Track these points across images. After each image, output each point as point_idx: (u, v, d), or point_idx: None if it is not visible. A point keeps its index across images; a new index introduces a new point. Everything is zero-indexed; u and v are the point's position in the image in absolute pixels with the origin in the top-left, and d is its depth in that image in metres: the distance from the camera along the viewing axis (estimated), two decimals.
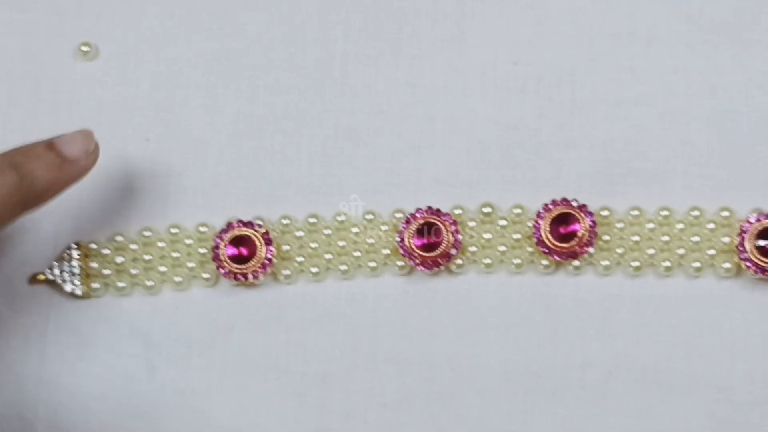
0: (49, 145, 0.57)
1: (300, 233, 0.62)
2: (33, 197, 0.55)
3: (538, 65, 0.62)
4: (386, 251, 0.61)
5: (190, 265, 0.62)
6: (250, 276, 0.61)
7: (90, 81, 0.64)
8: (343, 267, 0.61)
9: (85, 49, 0.64)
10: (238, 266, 0.61)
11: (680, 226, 0.60)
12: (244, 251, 0.61)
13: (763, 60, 0.61)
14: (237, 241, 0.61)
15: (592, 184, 0.61)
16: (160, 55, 0.64)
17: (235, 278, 0.61)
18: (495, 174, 0.62)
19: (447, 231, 0.60)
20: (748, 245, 0.58)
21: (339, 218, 0.62)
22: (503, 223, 0.61)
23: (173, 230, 0.62)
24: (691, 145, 0.61)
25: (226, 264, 0.61)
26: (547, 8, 0.63)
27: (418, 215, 0.60)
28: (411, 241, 0.60)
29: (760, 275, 0.58)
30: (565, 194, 0.60)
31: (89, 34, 0.65)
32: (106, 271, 0.62)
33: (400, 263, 0.61)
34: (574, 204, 0.60)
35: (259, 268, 0.61)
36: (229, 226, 0.61)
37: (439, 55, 0.63)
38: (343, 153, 0.62)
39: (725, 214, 0.59)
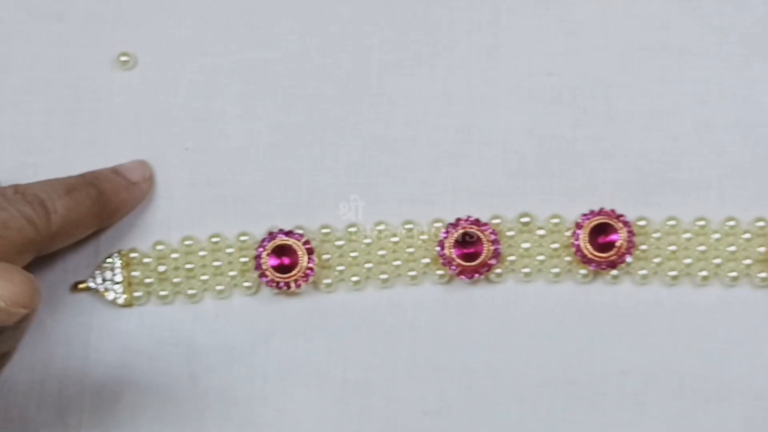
0: (115, 170, 0.62)
1: (340, 242, 0.62)
2: (108, 213, 0.61)
3: (573, 76, 0.63)
4: (426, 260, 0.62)
5: (232, 273, 0.63)
6: (292, 285, 0.61)
7: (128, 90, 0.65)
8: (383, 276, 0.62)
9: (123, 59, 0.65)
10: (281, 275, 0.61)
11: (716, 236, 0.61)
12: (286, 261, 0.61)
13: None
14: (279, 251, 0.61)
15: (628, 194, 0.62)
16: (197, 64, 0.65)
17: (278, 287, 0.61)
18: (531, 184, 0.62)
19: (487, 241, 0.61)
20: None
21: (378, 227, 0.62)
22: (541, 232, 0.61)
23: (214, 239, 0.63)
24: (725, 155, 0.62)
25: (268, 273, 0.61)
26: (581, 20, 0.63)
27: (458, 225, 0.61)
28: (451, 250, 0.61)
29: None
30: (602, 204, 0.61)
31: (128, 43, 0.65)
32: (148, 280, 0.63)
33: (439, 272, 0.62)
34: (612, 214, 0.60)
35: (301, 277, 0.61)
36: (271, 235, 0.62)
37: (475, 65, 0.64)
38: (380, 163, 0.63)
39: (761, 224, 0.60)
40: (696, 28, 0.63)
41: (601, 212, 0.61)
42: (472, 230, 0.61)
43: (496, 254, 0.61)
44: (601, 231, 0.60)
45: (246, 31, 0.65)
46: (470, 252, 0.61)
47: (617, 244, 0.60)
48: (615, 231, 0.60)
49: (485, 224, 0.61)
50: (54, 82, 0.65)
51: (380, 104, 0.64)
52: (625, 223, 0.60)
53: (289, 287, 0.62)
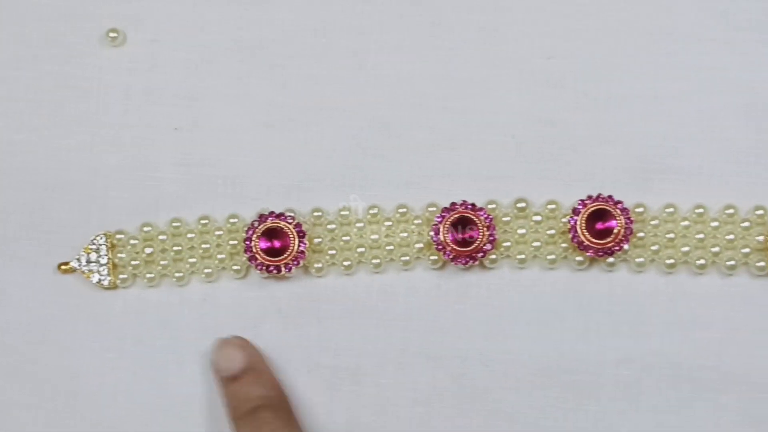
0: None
1: (332, 226, 0.61)
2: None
3: (574, 60, 0.62)
4: (419, 245, 0.61)
5: (220, 256, 0.61)
6: (282, 269, 0.60)
7: (117, 68, 0.64)
8: (376, 260, 0.61)
9: (112, 35, 0.63)
10: (271, 259, 0.60)
11: (715, 223, 0.60)
12: (276, 244, 0.60)
13: None
14: (269, 234, 0.60)
15: (627, 181, 0.61)
16: (189, 42, 0.63)
17: (268, 271, 0.60)
18: (529, 168, 0.61)
19: (482, 226, 0.59)
20: None
21: (372, 211, 0.61)
22: (537, 218, 0.60)
23: (203, 221, 0.62)
24: (726, 142, 0.60)
25: (258, 256, 0.60)
26: (582, 3, 0.62)
27: (453, 209, 0.60)
28: (446, 235, 0.60)
29: None
30: (600, 190, 0.60)
31: (117, 20, 0.64)
32: (135, 262, 0.62)
33: (433, 257, 0.60)
34: (610, 200, 0.59)
35: (292, 260, 0.60)
36: (262, 217, 0.61)
37: (474, 48, 0.62)
38: (375, 145, 0.62)
39: (760, 212, 0.59)
40: (699, 13, 0.62)
41: (598, 198, 0.60)
42: (466, 215, 0.59)
43: (491, 240, 0.60)
44: (598, 217, 0.59)
45: (239, 9, 0.64)
46: (465, 238, 0.59)
47: (615, 230, 0.59)
48: (613, 217, 0.59)
49: (480, 209, 0.60)
50: (43, 58, 0.64)
51: (376, 86, 0.62)
52: (623, 210, 0.59)
53: (279, 271, 0.60)
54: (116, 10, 0.64)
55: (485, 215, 0.60)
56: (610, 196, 0.60)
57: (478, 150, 0.62)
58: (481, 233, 0.59)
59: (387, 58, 0.62)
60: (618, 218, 0.59)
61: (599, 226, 0.59)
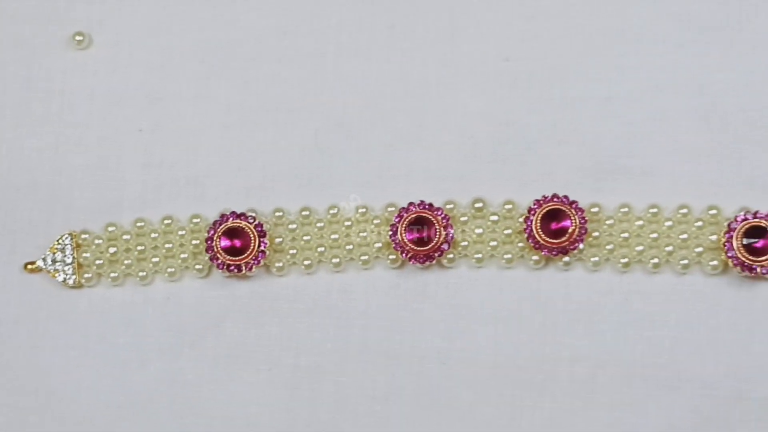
0: None
1: (293, 226, 0.62)
2: None
3: (530, 62, 0.63)
4: (378, 245, 0.62)
5: (183, 256, 0.62)
6: (243, 268, 0.61)
7: (83, 70, 0.64)
8: (335, 260, 0.62)
9: (78, 38, 0.64)
10: (232, 258, 0.61)
11: (668, 223, 0.60)
12: (237, 243, 0.61)
13: (752, 59, 0.62)
14: (231, 233, 0.61)
15: (582, 181, 0.61)
16: (153, 45, 0.64)
17: (229, 270, 0.61)
18: (486, 169, 0.62)
19: (439, 226, 0.60)
20: (735, 243, 0.59)
21: (332, 211, 0.62)
22: (494, 218, 0.61)
23: (166, 221, 0.63)
24: (679, 143, 0.61)
25: (219, 255, 0.61)
26: (539, 5, 0.63)
27: (410, 209, 0.61)
28: (403, 235, 0.61)
29: (746, 273, 0.59)
30: (555, 190, 0.61)
31: (83, 23, 0.65)
32: (99, 261, 0.63)
33: (392, 257, 0.61)
34: (565, 200, 0.60)
35: (253, 260, 0.61)
36: (223, 217, 0.62)
37: (432, 50, 0.63)
38: (335, 146, 0.63)
39: (713, 212, 0.60)
40: (653, 15, 0.62)
41: (553, 198, 0.60)
42: (424, 214, 0.60)
43: (448, 239, 0.61)
44: (553, 217, 0.60)
45: (202, 12, 0.64)
46: (422, 237, 0.60)
47: (569, 230, 0.60)
48: (567, 217, 0.60)
49: (438, 209, 0.61)
50: (7, 60, 0.65)
51: (336, 87, 0.63)
52: (578, 210, 0.60)
53: (240, 270, 0.61)
54: (81, 13, 0.65)
55: (442, 215, 0.61)
56: (565, 196, 0.60)
57: (436, 150, 0.62)
58: (438, 233, 0.60)
59: (346, 60, 0.63)
60: (572, 218, 0.60)
61: (554, 225, 0.60)
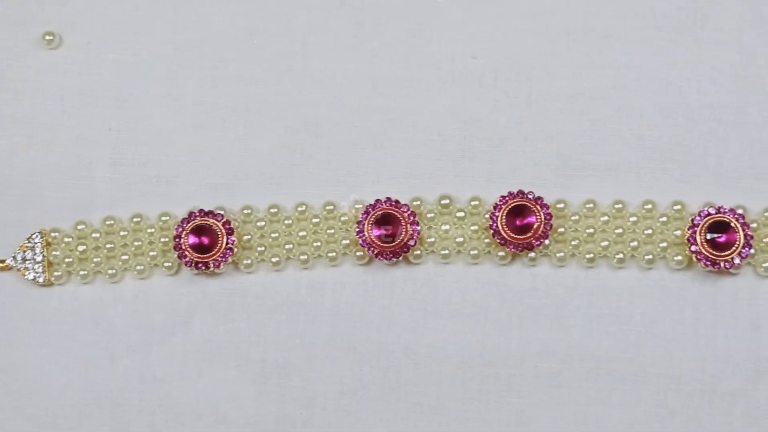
0: None
1: (261, 223, 0.62)
2: None
3: (496, 59, 0.63)
4: (345, 241, 0.62)
5: (152, 253, 0.63)
6: (211, 265, 0.61)
7: (53, 70, 0.65)
8: (303, 257, 0.62)
9: (48, 38, 0.65)
10: (200, 255, 0.61)
11: (633, 218, 0.61)
12: (205, 240, 0.61)
13: (715, 57, 0.62)
14: (198, 231, 0.62)
15: (549, 177, 0.62)
16: (123, 44, 0.65)
17: (197, 267, 0.62)
18: (453, 166, 0.63)
19: (405, 222, 0.61)
20: (698, 238, 0.60)
21: (300, 208, 0.62)
22: (461, 214, 0.62)
23: (135, 219, 0.63)
24: (644, 139, 0.62)
25: (187, 253, 0.61)
26: (506, 3, 0.64)
27: (377, 206, 0.61)
28: (370, 231, 0.61)
29: (710, 268, 0.60)
30: (522, 186, 0.62)
31: (53, 23, 0.65)
32: (68, 259, 0.63)
33: (359, 253, 0.62)
34: (530, 196, 0.61)
35: (221, 257, 0.61)
36: (191, 215, 0.62)
37: (399, 48, 0.64)
38: (303, 144, 0.63)
39: (677, 207, 0.61)
40: (619, 13, 0.63)
41: (518, 194, 0.61)
42: (390, 211, 0.61)
43: (415, 235, 0.61)
44: (518, 213, 0.61)
45: (172, 12, 0.65)
46: (388, 233, 0.61)
47: (534, 226, 0.60)
48: (532, 213, 0.60)
49: (404, 205, 0.61)
50: None
51: (304, 86, 0.64)
52: (543, 206, 0.61)
53: (208, 267, 0.62)
54: (52, 14, 0.65)
55: (408, 211, 0.61)
56: (530, 192, 0.61)
57: (404, 148, 0.63)
58: (404, 229, 0.61)
59: (314, 59, 0.64)
60: (537, 214, 0.60)
61: (519, 222, 0.60)
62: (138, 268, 0.63)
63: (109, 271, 0.63)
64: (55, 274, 0.63)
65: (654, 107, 0.62)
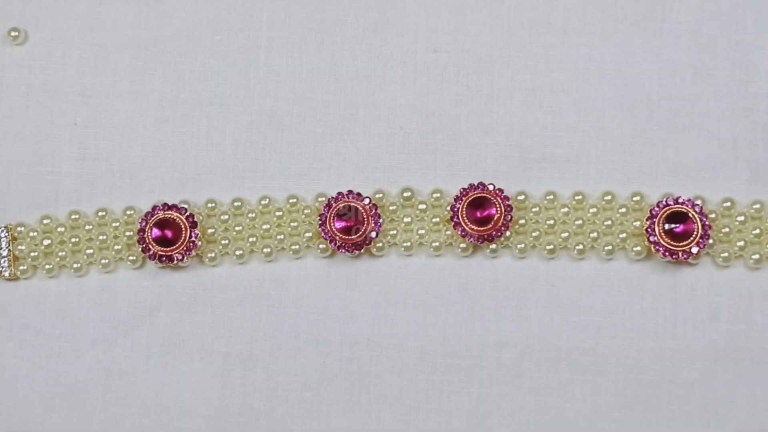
0: None
1: (225, 216, 0.63)
2: None
3: (458, 53, 0.64)
4: (308, 234, 0.62)
5: (117, 247, 0.63)
6: (175, 258, 0.62)
7: (18, 65, 0.65)
8: (267, 249, 0.63)
9: (14, 33, 0.65)
10: (163, 249, 0.62)
11: (593, 210, 0.61)
12: (169, 234, 0.62)
13: (674, 49, 0.63)
14: (162, 224, 0.62)
15: (509, 169, 0.63)
16: (88, 40, 0.65)
17: (160, 260, 0.62)
18: (415, 159, 0.63)
19: (367, 215, 0.61)
20: (657, 229, 0.60)
21: (263, 202, 0.63)
22: (422, 207, 0.62)
23: (100, 213, 0.64)
24: (604, 131, 0.62)
25: (151, 246, 0.62)
26: None
27: (339, 199, 0.62)
28: (332, 224, 0.61)
29: (668, 258, 0.60)
30: (483, 179, 0.62)
31: (18, 19, 0.65)
32: (34, 254, 0.63)
33: (321, 246, 0.62)
34: (491, 188, 0.61)
35: (184, 250, 0.62)
36: (154, 209, 0.62)
37: (361, 43, 0.64)
38: (267, 138, 0.64)
39: (636, 198, 0.61)
40: (578, 6, 0.64)
41: (479, 187, 0.61)
42: (352, 204, 0.61)
43: (377, 228, 0.62)
44: (479, 205, 0.61)
45: (136, 7, 0.65)
46: (350, 225, 0.61)
47: (494, 218, 0.61)
48: (492, 205, 0.61)
49: (366, 198, 0.62)
50: None
51: (268, 80, 0.64)
52: (504, 198, 0.61)
53: (172, 260, 0.62)
54: (16, 9, 0.66)
55: (370, 204, 0.62)
56: (491, 184, 0.61)
57: (366, 141, 0.63)
58: (365, 222, 0.61)
59: (277, 54, 0.64)
60: (497, 206, 0.61)
61: (479, 213, 0.61)
62: (103, 261, 0.63)
63: (74, 265, 0.63)
64: (21, 268, 0.64)
65: (614, 100, 0.63)
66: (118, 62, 0.65)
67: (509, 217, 0.61)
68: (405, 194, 0.62)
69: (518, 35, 0.64)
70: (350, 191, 0.62)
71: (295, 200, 0.63)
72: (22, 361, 0.63)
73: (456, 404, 0.61)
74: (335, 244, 0.62)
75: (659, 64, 0.63)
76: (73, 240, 0.63)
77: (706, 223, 0.60)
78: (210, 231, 0.63)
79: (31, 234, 0.64)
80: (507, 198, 0.61)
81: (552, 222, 0.62)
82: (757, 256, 0.60)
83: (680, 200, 0.61)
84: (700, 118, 0.62)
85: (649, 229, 0.60)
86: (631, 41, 0.63)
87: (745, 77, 0.63)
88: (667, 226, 0.60)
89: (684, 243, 0.60)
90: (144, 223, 0.62)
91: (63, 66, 0.65)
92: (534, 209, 0.62)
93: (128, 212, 0.63)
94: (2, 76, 0.65)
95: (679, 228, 0.60)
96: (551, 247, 0.61)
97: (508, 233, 0.61)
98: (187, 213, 0.62)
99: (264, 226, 0.63)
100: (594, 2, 0.63)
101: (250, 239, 0.63)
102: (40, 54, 0.65)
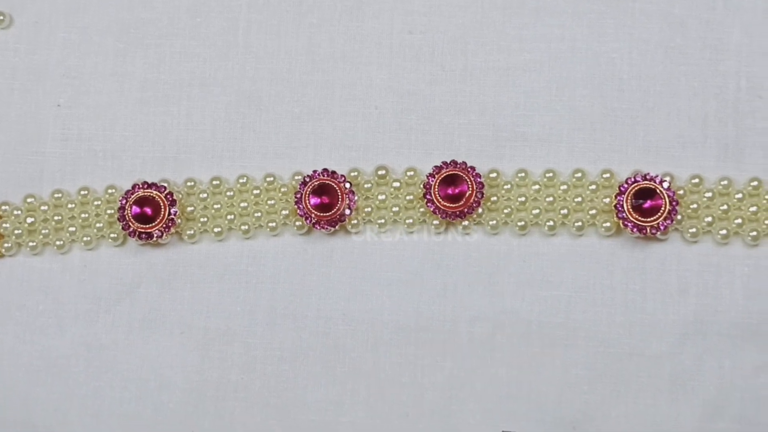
0: None
1: (204, 195, 0.64)
2: None
3: (432, 34, 0.65)
4: (285, 212, 0.64)
5: (99, 225, 0.65)
6: (154, 235, 0.63)
7: (3, 49, 0.67)
8: (245, 227, 0.64)
9: None
10: (143, 225, 0.63)
11: (564, 187, 0.63)
12: (148, 211, 0.63)
13: (645, 29, 0.64)
14: (142, 202, 0.63)
15: (482, 148, 0.64)
16: (71, 23, 0.67)
17: (140, 237, 0.63)
18: (390, 138, 0.64)
19: (341, 192, 0.63)
20: (625, 205, 0.61)
21: (241, 180, 0.64)
22: (396, 184, 0.63)
23: (83, 192, 0.65)
24: (575, 110, 0.63)
25: (131, 223, 0.63)
26: None
27: (314, 177, 0.63)
28: (308, 202, 0.63)
29: (637, 233, 0.61)
30: (456, 157, 0.63)
31: (3, 4, 0.67)
32: (18, 231, 0.65)
33: (298, 223, 0.64)
34: (463, 166, 0.62)
35: (163, 227, 0.63)
36: (134, 187, 0.64)
37: (338, 24, 0.65)
38: (245, 118, 0.65)
39: (606, 175, 0.62)
40: None
41: (451, 164, 0.63)
42: (327, 181, 0.63)
43: (351, 205, 0.63)
44: (451, 182, 0.62)
45: None
46: (325, 203, 0.63)
47: (466, 194, 0.62)
48: (464, 182, 0.62)
49: (341, 176, 0.63)
50: None
51: (246, 62, 0.66)
52: (475, 175, 0.62)
53: (151, 237, 0.63)
54: None
55: (344, 181, 0.63)
56: (463, 162, 0.63)
57: (342, 121, 0.65)
58: (340, 199, 0.62)
59: (256, 35, 0.66)
60: (469, 183, 0.62)
61: (451, 190, 0.62)
62: (85, 239, 0.65)
63: (57, 243, 0.65)
64: (5, 245, 0.65)
65: (583, 79, 0.64)
66: (100, 45, 0.66)
67: (481, 194, 0.62)
68: (380, 172, 0.64)
69: (492, 16, 0.65)
70: (325, 169, 0.63)
71: (272, 179, 0.64)
72: (6, 336, 0.64)
73: (429, 378, 0.62)
74: (311, 221, 0.63)
75: (630, 43, 0.64)
76: (56, 218, 0.65)
77: (674, 198, 0.61)
78: (189, 209, 0.64)
79: (15, 212, 0.65)
80: (479, 175, 0.62)
81: (523, 199, 0.63)
82: (724, 232, 0.61)
83: (648, 176, 0.62)
84: (670, 96, 0.63)
85: (618, 205, 0.61)
86: (602, 21, 0.64)
87: (715, 56, 0.64)
88: (635, 202, 0.61)
89: (652, 219, 0.61)
90: (124, 201, 0.64)
91: (47, 49, 0.67)
92: (506, 186, 0.63)
93: (110, 191, 0.65)
94: None
95: (647, 204, 0.61)
96: (522, 223, 0.63)
97: (480, 210, 0.62)
98: (166, 191, 0.64)
99: (242, 204, 0.64)
100: None
101: (228, 217, 0.64)
102: (25, 37, 0.67)
